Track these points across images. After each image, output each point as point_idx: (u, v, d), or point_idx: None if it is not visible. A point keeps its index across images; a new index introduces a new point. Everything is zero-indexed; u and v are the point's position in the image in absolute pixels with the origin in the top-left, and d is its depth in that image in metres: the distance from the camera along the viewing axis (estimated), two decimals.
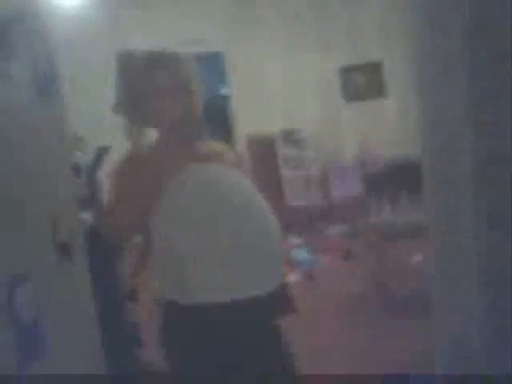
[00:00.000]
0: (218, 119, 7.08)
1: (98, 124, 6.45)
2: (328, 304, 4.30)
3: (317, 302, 4.32)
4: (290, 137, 6.85)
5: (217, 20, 6.62)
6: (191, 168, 1.70)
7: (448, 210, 2.15)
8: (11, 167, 1.47)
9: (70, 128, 5.96)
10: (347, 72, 6.97)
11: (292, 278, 4.76)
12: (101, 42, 6.57)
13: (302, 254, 5.33)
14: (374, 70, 6.97)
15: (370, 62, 6.93)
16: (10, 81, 1.47)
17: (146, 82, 1.72)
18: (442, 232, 2.24)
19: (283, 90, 6.86)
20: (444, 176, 2.16)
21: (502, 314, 2.00)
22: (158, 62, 1.73)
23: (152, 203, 1.66)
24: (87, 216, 3.19)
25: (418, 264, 4.46)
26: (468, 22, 1.82)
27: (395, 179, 4.35)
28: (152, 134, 1.83)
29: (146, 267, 1.81)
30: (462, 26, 1.84)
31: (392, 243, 4.17)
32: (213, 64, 6.57)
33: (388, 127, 6.95)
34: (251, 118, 6.50)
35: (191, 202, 1.64)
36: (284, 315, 1.75)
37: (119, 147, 6.56)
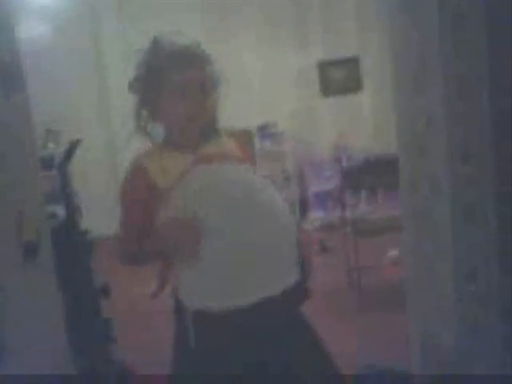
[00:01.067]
0: None
1: (73, 117, 6.38)
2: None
3: None
4: (267, 131, 6.82)
5: (194, 12, 6.54)
6: (197, 169, 1.66)
7: (424, 204, 2.14)
8: None
9: (40, 120, 5.88)
10: (325, 66, 6.96)
11: None
12: (77, 33, 6.48)
13: None
14: (351, 65, 6.97)
15: (348, 56, 6.92)
16: None
17: (164, 74, 1.69)
18: (417, 227, 2.23)
19: (260, 84, 6.82)
20: (420, 170, 2.16)
21: (476, 312, 1.99)
22: (179, 56, 1.71)
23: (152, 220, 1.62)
24: (58, 210, 3.13)
25: (394, 259, 4.47)
26: (444, 15, 1.80)
27: (372, 174, 4.34)
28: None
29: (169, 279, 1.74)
30: (438, 18, 1.82)
31: (368, 238, 4.17)
32: None
33: (365, 122, 6.96)
34: (228, 112, 6.42)
35: (197, 205, 1.59)
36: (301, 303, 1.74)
37: (93, 140, 6.48)
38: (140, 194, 1.64)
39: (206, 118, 1.74)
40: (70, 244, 2.94)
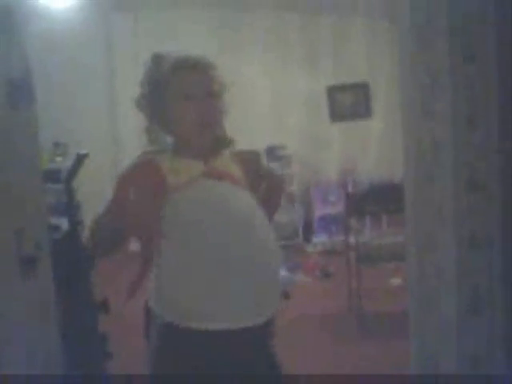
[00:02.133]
0: None
1: (81, 130, 6.40)
2: (303, 322, 4.25)
3: (292, 320, 4.28)
4: (275, 153, 6.82)
5: (206, 33, 6.59)
6: (207, 182, 1.67)
7: (429, 233, 2.12)
8: None
9: (47, 133, 5.90)
10: (334, 91, 6.97)
11: None
12: (90, 46, 6.53)
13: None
14: (360, 91, 6.99)
15: (357, 82, 6.94)
16: None
17: (169, 85, 1.69)
18: (422, 254, 2.21)
19: (270, 106, 6.84)
20: (425, 199, 2.14)
21: (478, 342, 1.97)
22: (183, 65, 1.70)
23: (152, 215, 1.60)
24: (63, 222, 3.12)
25: (396, 287, 4.44)
26: (455, 40, 1.80)
27: (378, 200, 4.32)
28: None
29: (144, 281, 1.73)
30: (448, 45, 1.83)
31: (371, 264, 4.14)
32: None
33: (373, 148, 6.95)
34: (236, 134, 6.43)
35: (192, 220, 1.60)
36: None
37: (100, 155, 6.47)
38: (147, 185, 1.61)
39: (217, 123, 1.74)
40: (72, 257, 2.93)
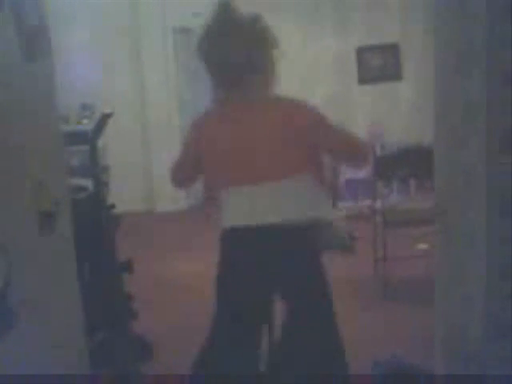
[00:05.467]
0: None
1: (108, 91, 6.38)
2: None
3: None
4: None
5: None
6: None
7: (459, 197, 2.06)
8: None
9: (74, 95, 5.88)
10: (363, 52, 6.81)
11: None
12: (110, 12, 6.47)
13: None
14: (390, 52, 6.81)
15: (387, 43, 6.76)
16: None
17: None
18: (451, 220, 2.16)
19: (298, 68, 6.72)
20: (456, 162, 2.08)
21: (504, 310, 1.92)
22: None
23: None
24: (88, 183, 3.13)
25: (423, 252, 4.38)
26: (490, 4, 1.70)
27: (406, 164, 4.23)
28: None
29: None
30: (483, 8, 1.73)
31: (397, 229, 4.08)
32: None
33: (402, 111, 6.81)
34: None
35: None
36: None
37: (126, 116, 6.48)
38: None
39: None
40: (96, 217, 2.94)
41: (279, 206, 1.95)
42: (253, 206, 1.93)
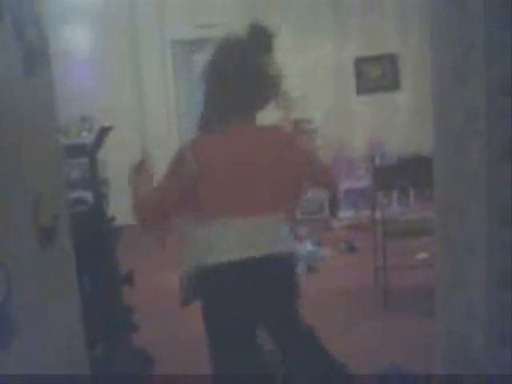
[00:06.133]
0: None
1: (108, 104, 6.39)
2: (330, 296, 4.23)
3: (319, 294, 4.26)
4: (301, 126, 6.74)
5: (232, 5, 6.50)
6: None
7: (459, 206, 2.06)
8: None
9: (74, 108, 5.88)
10: (361, 63, 6.84)
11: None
12: (114, 22, 6.50)
13: (306, 246, 5.25)
14: (388, 62, 6.84)
15: (385, 53, 6.79)
16: None
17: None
18: (451, 229, 2.16)
19: (296, 78, 6.74)
20: (455, 172, 2.08)
21: (505, 317, 1.92)
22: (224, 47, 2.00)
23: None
24: (87, 195, 3.13)
25: (422, 262, 4.38)
26: (491, 8, 1.71)
27: (405, 174, 4.23)
28: None
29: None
30: (481, 14, 1.74)
31: (397, 239, 4.08)
32: None
33: (401, 120, 6.83)
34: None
35: None
36: None
37: (125, 129, 6.46)
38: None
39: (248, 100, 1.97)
40: (97, 229, 2.93)
41: (271, 238, 1.96)
42: (245, 238, 1.91)
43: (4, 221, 1.39)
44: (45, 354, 1.50)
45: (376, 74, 6.90)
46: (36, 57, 1.51)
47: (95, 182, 3.02)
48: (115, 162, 6.44)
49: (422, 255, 4.55)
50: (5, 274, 1.30)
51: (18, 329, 1.34)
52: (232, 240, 1.89)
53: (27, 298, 1.43)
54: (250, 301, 1.96)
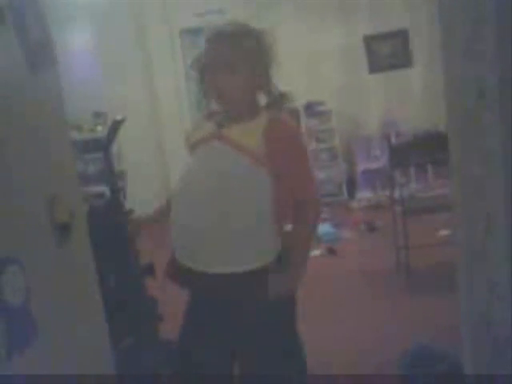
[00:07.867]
0: None
1: (121, 99, 6.40)
2: (351, 278, 4.22)
3: (340, 276, 4.26)
4: (314, 109, 6.70)
5: None
6: (204, 145, 1.86)
7: (475, 182, 2.03)
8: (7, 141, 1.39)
9: (87, 104, 5.89)
10: (371, 41, 6.75)
11: (316, 252, 4.68)
12: (121, 15, 6.49)
13: (325, 228, 5.23)
14: (399, 39, 6.74)
15: (396, 29, 6.69)
16: None
17: (204, 55, 1.87)
18: (469, 205, 2.13)
19: (307, 61, 6.69)
20: (470, 147, 2.05)
21: None
22: (207, 37, 1.86)
23: None
24: (106, 190, 3.14)
25: (444, 238, 4.34)
26: None
27: (423, 151, 4.18)
28: None
29: None
30: None
31: (417, 217, 4.05)
32: None
33: (415, 97, 6.75)
34: None
35: (181, 175, 1.85)
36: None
37: (140, 121, 6.47)
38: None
39: (233, 95, 1.84)
40: (115, 223, 2.94)
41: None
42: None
43: (20, 220, 1.40)
44: (69, 352, 1.51)
45: (387, 52, 6.81)
46: (41, 55, 1.50)
47: (111, 175, 3.03)
48: (130, 154, 6.50)
49: (444, 232, 4.52)
50: (24, 275, 1.31)
51: (39, 328, 1.35)
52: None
53: (47, 296, 1.44)
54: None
